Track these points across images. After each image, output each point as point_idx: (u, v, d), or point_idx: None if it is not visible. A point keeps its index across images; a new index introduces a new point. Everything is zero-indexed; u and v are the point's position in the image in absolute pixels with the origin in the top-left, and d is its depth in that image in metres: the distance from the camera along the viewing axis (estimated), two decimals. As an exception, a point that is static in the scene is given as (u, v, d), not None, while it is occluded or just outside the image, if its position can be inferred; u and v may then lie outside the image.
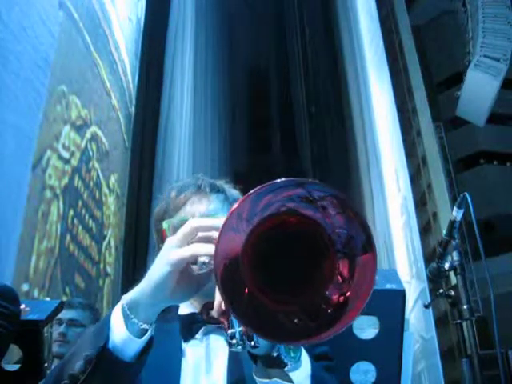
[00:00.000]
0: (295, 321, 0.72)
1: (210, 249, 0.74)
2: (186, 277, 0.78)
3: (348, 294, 0.72)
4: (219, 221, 0.78)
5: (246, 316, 0.70)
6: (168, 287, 0.77)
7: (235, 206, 0.69)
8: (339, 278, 0.73)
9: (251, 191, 0.69)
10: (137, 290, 0.80)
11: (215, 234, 0.74)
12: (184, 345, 1.01)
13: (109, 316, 0.81)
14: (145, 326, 0.79)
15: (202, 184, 1.11)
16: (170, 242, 0.79)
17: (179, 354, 0.99)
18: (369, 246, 0.72)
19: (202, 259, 0.78)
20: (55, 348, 2.18)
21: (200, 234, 0.79)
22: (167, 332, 1.00)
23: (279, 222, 0.73)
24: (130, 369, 0.79)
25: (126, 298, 0.80)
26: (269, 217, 0.71)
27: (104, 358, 0.77)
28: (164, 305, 0.81)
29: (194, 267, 0.78)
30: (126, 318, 0.79)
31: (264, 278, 0.73)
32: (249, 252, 0.72)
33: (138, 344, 0.79)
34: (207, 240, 0.77)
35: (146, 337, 0.79)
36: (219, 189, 1.13)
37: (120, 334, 0.78)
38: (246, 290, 0.72)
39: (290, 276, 0.74)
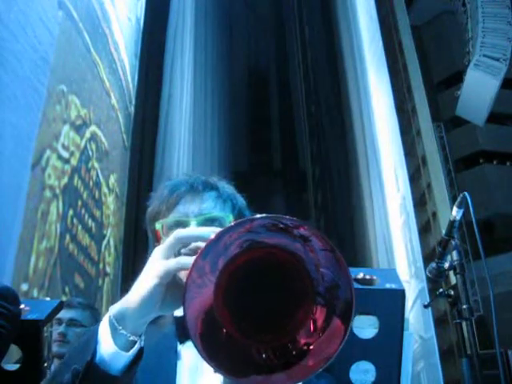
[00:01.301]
0: (263, 356, 0.70)
1: None
2: (173, 287, 0.77)
3: (312, 347, 0.69)
4: (206, 230, 0.78)
5: (221, 365, 0.68)
6: (155, 299, 0.76)
7: (191, 265, 0.67)
8: (312, 324, 0.69)
9: (205, 244, 0.67)
10: (124, 301, 0.78)
11: (202, 244, 0.74)
12: (180, 347, 0.99)
13: (97, 328, 0.80)
14: (133, 337, 0.78)
15: (195, 182, 1.10)
16: (156, 253, 0.78)
17: (175, 356, 0.98)
18: (348, 313, 0.67)
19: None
20: (55, 348, 2.18)
21: (187, 245, 0.79)
22: (162, 334, 0.98)
23: (246, 260, 0.69)
24: (117, 382, 0.77)
25: (114, 309, 0.79)
26: (233, 258, 0.68)
27: (91, 372, 0.76)
28: (153, 316, 0.79)
29: (182, 275, 0.77)
30: (114, 329, 0.78)
31: (240, 318, 0.70)
32: (221, 300, 0.69)
33: (125, 358, 0.78)
34: (194, 251, 0.77)
35: (134, 350, 0.78)
36: (212, 186, 1.11)
37: (107, 347, 0.77)
38: (223, 334, 0.69)
39: (265, 312, 0.71)
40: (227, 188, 1.14)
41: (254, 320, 0.71)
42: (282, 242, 0.68)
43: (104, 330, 0.78)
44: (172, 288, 0.77)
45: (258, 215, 0.67)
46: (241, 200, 1.15)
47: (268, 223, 0.66)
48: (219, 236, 0.67)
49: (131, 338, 0.78)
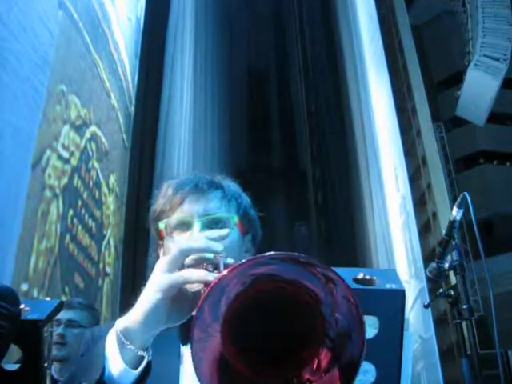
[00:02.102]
0: None
1: (201, 274, 0.73)
2: (179, 299, 0.76)
3: None
4: (211, 242, 0.78)
5: None
6: (161, 314, 0.76)
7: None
8: (316, 364, 0.69)
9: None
10: (130, 316, 0.78)
11: (208, 255, 0.74)
12: (183, 348, 0.98)
13: (104, 343, 0.79)
14: (141, 352, 0.77)
15: (199, 181, 1.08)
16: (160, 265, 0.77)
17: (177, 359, 0.97)
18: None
19: (194, 285, 0.76)
20: (54, 351, 2.17)
21: (191, 257, 0.78)
22: (165, 336, 0.95)
23: (252, 296, 0.67)
24: None
25: (120, 324, 0.78)
26: (236, 298, 0.66)
27: None
28: (160, 329, 0.78)
29: (188, 285, 0.77)
30: (121, 345, 0.77)
31: (249, 355, 0.69)
32: (228, 339, 0.68)
33: (133, 375, 0.77)
34: (199, 262, 0.76)
35: (142, 366, 0.78)
36: (217, 185, 1.09)
37: (115, 364, 0.77)
38: (235, 374, 0.69)
39: (274, 348, 0.71)
40: (232, 186, 1.12)
41: (263, 356, 0.70)
42: (300, 277, 0.66)
43: (111, 345, 0.78)
44: (177, 300, 0.76)
45: (268, 253, 0.65)
46: (246, 199, 1.14)
47: (285, 257, 0.64)
48: (214, 286, 0.65)
49: (139, 354, 0.77)
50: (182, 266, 0.78)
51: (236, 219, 1.06)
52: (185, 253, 0.78)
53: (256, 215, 1.16)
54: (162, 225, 1.06)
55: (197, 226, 1.02)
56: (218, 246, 0.79)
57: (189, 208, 1.05)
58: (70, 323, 2.21)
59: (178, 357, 0.97)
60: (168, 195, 1.08)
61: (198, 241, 0.83)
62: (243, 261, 0.66)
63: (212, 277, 0.73)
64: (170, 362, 0.96)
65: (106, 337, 0.80)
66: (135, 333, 0.77)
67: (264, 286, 0.67)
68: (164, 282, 0.75)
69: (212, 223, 1.03)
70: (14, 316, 1.15)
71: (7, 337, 1.13)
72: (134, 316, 0.77)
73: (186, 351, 0.97)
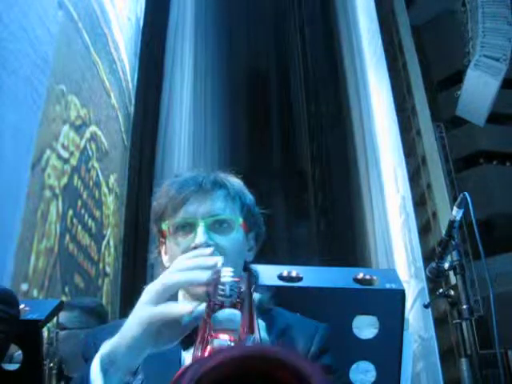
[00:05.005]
0: None
1: (183, 309, 0.72)
2: (167, 327, 0.74)
3: None
4: (195, 273, 0.76)
5: None
6: (144, 344, 0.74)
7: None
8: None
9: None
10: (113, 344, 0.76)
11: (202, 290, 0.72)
12: (184, 354, 0.96)
13: (88, 370, 0.77)
14: (127, 377, 0.75)
15: (203, 181, 1.06)
16: (145, 296, 0.76)
17: (178, 365, 0.94)
18: None
19: (185, 308, 0.73)
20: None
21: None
22: None
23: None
24: None
25: (104, 350, 0.76)
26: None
27: None
28: (145, 355, 0.76)
29: (179, 309, 0.75)
30: (104, 372, 0.75)
31: None
32: None
33: None
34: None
35: None
36: (221, 184, 1.07)
37: None
38: None
39: None
40: (236, 185, 1.10)
41: None
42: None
43: (95, 371, 0.76)
44: (165, 328, 0.74)
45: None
46: (249, 196, 1.12)
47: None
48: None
49: (125, 380, 0.75)
50: (171, 297, 0.76)
51: (240, 221, 1.05)
52: (170, 288, 0.76)
53: (259, 212, 1.15)
54: (164, 226, 1.04)
55: (201, 227, 1.00)
56: (202, 277, 0.76)
57: (192, 209, 1.03)
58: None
59: (178, 363, 0.95)
60: (171, 195, 1.05)
61: (196, 273, 0.78)
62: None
63: (194, 307, 0.71)
64: (170, 368, 0.91)
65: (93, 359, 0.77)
66: (119, 361, 0.75)
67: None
68: (145, 317, 0.73)
69: (216, 224, 1.02)
70: (12, 318, 1.15)
71: (6, 339, 1.13)
72: (118, 344, 0.75)
73: (187, 357, 0.95)
